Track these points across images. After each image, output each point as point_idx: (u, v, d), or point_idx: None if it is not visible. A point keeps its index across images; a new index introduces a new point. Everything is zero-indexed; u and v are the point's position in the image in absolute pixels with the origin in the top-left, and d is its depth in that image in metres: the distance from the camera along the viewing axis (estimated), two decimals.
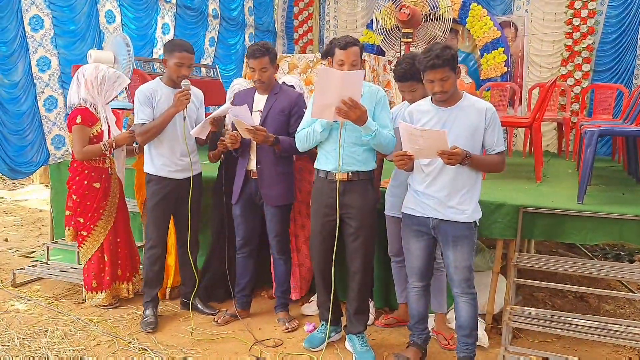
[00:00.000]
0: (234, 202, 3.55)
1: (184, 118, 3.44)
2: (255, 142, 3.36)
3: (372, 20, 7.84)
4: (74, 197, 3.82)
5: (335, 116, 2.81)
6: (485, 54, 7.28)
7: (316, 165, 3.18)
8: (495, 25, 7.24)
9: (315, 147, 3.18)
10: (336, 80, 2.73)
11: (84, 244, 3.87)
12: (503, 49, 7.17)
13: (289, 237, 3.74)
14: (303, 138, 3.10)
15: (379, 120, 2.98)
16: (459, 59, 7.54)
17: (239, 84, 4.02)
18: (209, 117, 3.41)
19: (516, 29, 7.53)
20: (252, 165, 3.45)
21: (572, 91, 7.11)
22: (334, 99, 2.75)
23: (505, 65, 7.18)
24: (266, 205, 3.50)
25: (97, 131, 3.76)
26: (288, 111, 3.40)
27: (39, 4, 5.01)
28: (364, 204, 3.07)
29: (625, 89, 6.36)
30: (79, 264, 4.52)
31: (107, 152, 3.77)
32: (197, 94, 3.64)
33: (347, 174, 3.03)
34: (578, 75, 7.17)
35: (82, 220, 3.83)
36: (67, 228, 3.91)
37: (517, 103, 6.97)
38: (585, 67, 7.14)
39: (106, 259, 3.90)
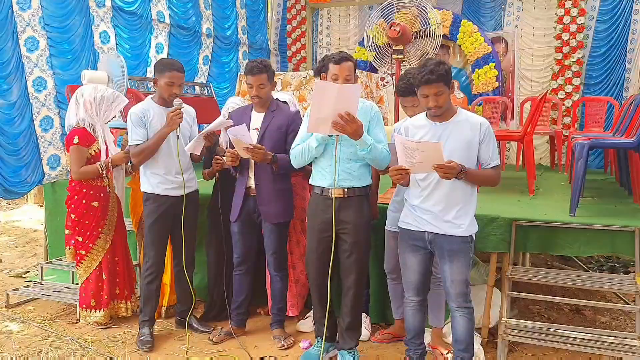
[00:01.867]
0: (233, 220, 3.54)
1: (177, 136, 3.47)
2: (253, 160, 3.37)
3: (364, 38, 7.93)
4: (73, 216, 3.83)
5: (332, 130, 2.81)
6: (476, 69, 7.38)
7: (311, 181, 3.19)
8: (486, 41, 7.35)
9: (310, 164, 3.19)
10: (333, 93, 2.74)
11: (82, 263, 3.87)
12: (494, 64, 7.27)
13: (287, 254, 3.74)
14: (298, 154, 3.10)
15: (373, 135, 3.00)
16: (452, 74, 7.60)
17: (234, 103, 4.04)
18: (202, 132, 3.43)
19: (506, 44, 7.64)
20: (251, 183, 3.46)
21: (564, 104, 7.19)
22: (331, 112, 2.76)
23: (496, 80, 7.28)
24: (264, 223, 3.51)
25: (94, 151, 3.79)
26: (285, 128, 3.42)
27: (34, 25, 5.05)
28: (359, 220, 3.08)
29: (616, 101, 6.44)
30: (73, 283, 4.52)
31: (104, 172, 3.78)
32: (189, 111, 3.66)
33: (343, 189, 3.05)
34: (569, 88, 7.26)
35: (80, 239, 3.84)
36: (67, 247, 3.90)
37: (509, 117, 7.04)
38: (576, 81, 7.24)
39: (104, 277, 3.89)
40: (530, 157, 4.74)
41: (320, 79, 3.09)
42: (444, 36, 7.51)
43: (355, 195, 3.07)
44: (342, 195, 3.05)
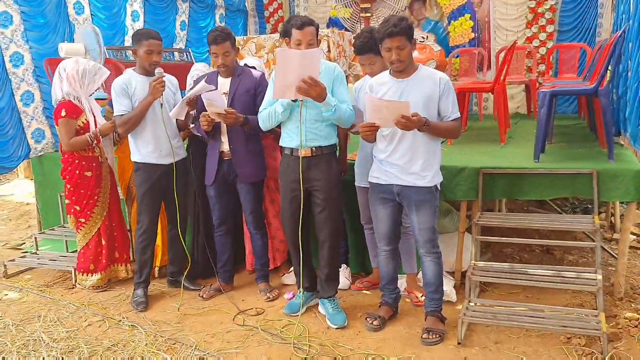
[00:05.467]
0: (209, 184, 3.71)
1: (161, 104, 3.60)
2: (226, 125, 3.52)
3: None
4: (69, 186, 4.01)
5: (297, 95, 2.96)
6: (452, 21, 7.42)
7: (281, 143, 3.35)
8: None
9: (279, 126, 3.34)
10: (295, 60, 2.88)
11: (81, 229, 4.06)
12: (469, 15, 7.32)
13: (263, 212, 3.93)
14: (265, 118, 3.26)
15: (337, 95, 3.14)
16: (429, 27, 7.63)
17: (198, 70, 4.15)
18: (184, 98, 3.56)
19: None
20: (224, 147, 3.62)
21: (538, 52, 7.27)
22: (294, 78, 2.90)
23: (472, 31, 7.33)
24: (240, 184, 3.68)
25: (82, 122, 3.92)
26: (253, 91, 3.58)
27: (7, 0, 5.04)
28: (328, 176, 3.26)
29: (588, 47, 6.52)
30: (67, 251, 4.71)
31: (94, 142, 3.92)
32: (171, 80, 3.78)
33: (311, 149, 3.21)
34: (543, 36, 7.30)
35: (78, 208, 4.02)
36: (68, 216, 4.11)
37: (486, 67, 7.13)
38: (549, 28, 7.27)
39: (103, 242, 4.10)
40: (501, 107, 4.88)
41: (285, 44, 3.22)
42: None
43: (323, 154, 3.24)
44: (310, 155, 3.22)
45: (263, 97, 3.41)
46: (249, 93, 3.57)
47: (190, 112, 3.71)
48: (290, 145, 3.26)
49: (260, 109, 3.31)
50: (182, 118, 3.67)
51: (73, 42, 5.46)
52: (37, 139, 5.36)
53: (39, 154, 5.35)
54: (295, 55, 2.91)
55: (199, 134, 3.70)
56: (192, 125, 3.77)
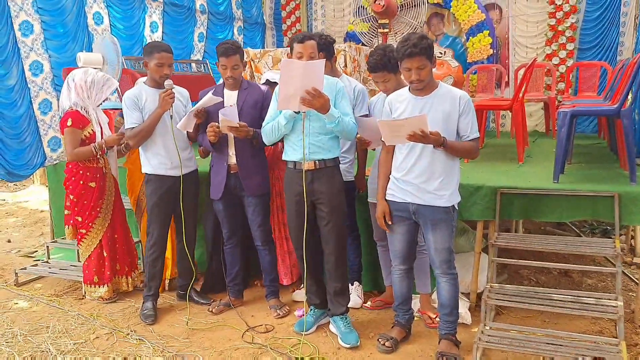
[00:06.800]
0: (217, 198, 3.68)
1: (171, 116, 3.58)
2: (233, 138, 3.52)
3: (359, 8, 7.89)
4: (71, 197, 3.98)
5: (300, 106, 2.95)
6: (470, 37, 7.36)
7: (284, 156, 3.33)
8: (480, 8, 7.32)
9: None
10: (298, 70, 2.89)
11: (83, 242, 4.03)
12: (488, 31, 7.26)
13: (271, 226, 3.88)
14: (269, 131, 3.24)
15: (339, 109, 3.13)
16: (447, 43, 7.60)
17: None
18: (192, 109, 3.54)
19: (501, 11, 7.60)
20: (232, 160, 3.60)
21: (558, 70, 7.18)
22: (298, 89, 2.90)
23: (491, 48, 7.27)
24: (247, 197, 3.65)
25: (89, 133, 3.90)
26: (260, 104, 3.58)
27: (28, 9, 5.11)
28: (332, 189, 3.23)
29: (609, 66, 6.42)
30: (79, 261, 4.69)
31: (98, 153, 3.90)
32: (182, 92, 3.77)
33: (314, 162, 3.18)
34: (563, 54, 7.22)
35: (80, 219, 3.99)
36: (66, 227, 4.07)
37: (504, 85, 7.06)
38: (570, 46, 7.19)
39: (105, 254, 4.06)
40: (519, 126, 4.81)
41: (288, 58, 3.22)
42: (438, 4, 7.52)
43: (326, 167, 3.21)
44: (313, 168, 3.19)
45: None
46: (257, 106, 3.58)
47: (199, 122, 3.68)
48: (294, 158, 3.24)
49: (264, 123, 3.30)
50: (190, 130, 3.66)
51: (92, 52, 5.51)
52: (53, 148, 5.39)
53: (55, 162, 5.38)
54: (298, 65, 2.92)
55: (203, 145, 3.70)
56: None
